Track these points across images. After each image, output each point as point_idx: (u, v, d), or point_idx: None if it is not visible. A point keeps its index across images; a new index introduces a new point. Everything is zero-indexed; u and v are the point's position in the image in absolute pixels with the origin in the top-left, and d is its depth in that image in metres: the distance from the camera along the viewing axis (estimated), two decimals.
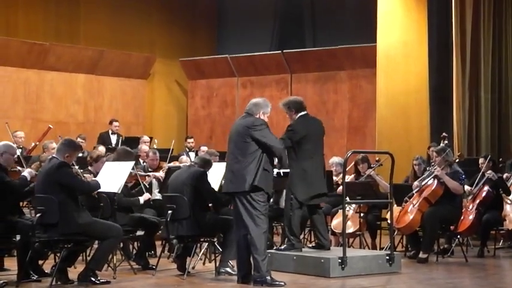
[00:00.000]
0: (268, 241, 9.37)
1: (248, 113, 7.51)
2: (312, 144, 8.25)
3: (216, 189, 8.67)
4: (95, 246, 7.73)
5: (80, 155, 12.11)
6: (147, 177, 9.36)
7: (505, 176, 10.57)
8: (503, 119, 12.96)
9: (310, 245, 9.07)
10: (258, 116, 7.45)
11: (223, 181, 8.92)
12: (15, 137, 12.66)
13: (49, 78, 15.68)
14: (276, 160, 7.62)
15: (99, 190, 7.97)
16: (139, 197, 8.75)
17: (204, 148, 11.73)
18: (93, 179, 7.88)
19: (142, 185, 8.93)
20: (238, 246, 7.41)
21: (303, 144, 8.19)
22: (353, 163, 10.46)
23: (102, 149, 12.40)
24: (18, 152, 11.98)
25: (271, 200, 8.61)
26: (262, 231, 7.28)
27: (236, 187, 7.33)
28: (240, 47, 17.16)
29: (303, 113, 8.37)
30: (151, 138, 14.05)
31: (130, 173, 8.27)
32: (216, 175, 8.58)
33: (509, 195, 10.10)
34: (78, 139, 13.48)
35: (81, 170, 8.50)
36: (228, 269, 7.89)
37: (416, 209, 9.34)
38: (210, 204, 8.38)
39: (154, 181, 9.69)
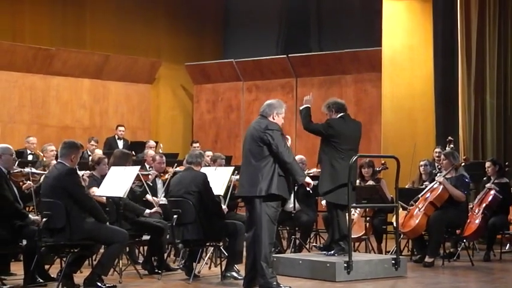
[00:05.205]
0: (277, 246, 9.39)
1: (262, 115, 7.40)
2: (347, 145, 8.30)
3: (222, 192, 8.69)
4: (101, 251, 7.74)
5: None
6: (149, 176, 9.36)
7: None
8: (508, 123, 12.94)
9: (318, 245, 9.07)
10: (271, 118, 7.34)
11: (229, 184, 8.97)
12: (27, 142, 12.65)
13: (55, 83, 15.68)
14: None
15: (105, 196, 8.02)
16: (147, 210, 8.73)
17: (209, 153, 11.70)
18: (97, 193, 7.90)
19: (145, 184, 8.95)
20: (249, 249, 7.29)
21: (338, 143, 8.26)
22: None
23: (98, 151, 12.42)
24: (30, 157, 12.01)
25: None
26: (270, 238, 7.21)
27: (249, 191, 7.25)
28: (245, 51, 17.16)
29: (342, 113, 8.45)
30: (157, 142, 14.06)
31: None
32: (221, 179, 8.59)
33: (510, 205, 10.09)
34: (92, 141, 13.55)
35: (88, 173, 8.50)
36: (234, 273, 7.90)
37: (422, 213, 9.33)
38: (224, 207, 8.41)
39: (159, 186, 9.71)
